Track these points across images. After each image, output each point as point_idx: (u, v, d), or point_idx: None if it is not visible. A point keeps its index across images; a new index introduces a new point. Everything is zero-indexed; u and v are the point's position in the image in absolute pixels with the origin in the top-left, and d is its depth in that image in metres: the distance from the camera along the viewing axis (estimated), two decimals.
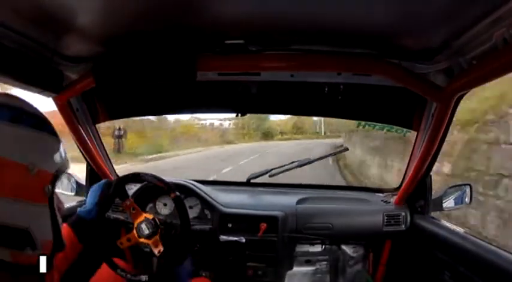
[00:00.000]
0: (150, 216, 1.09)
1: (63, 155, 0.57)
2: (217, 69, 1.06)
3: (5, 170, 0.48)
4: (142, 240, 1.08)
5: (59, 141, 0.57)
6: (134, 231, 1.08)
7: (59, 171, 0.55)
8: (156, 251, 1.07)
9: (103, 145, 1.49)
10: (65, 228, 0.90)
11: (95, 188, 1.04)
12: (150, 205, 1.43)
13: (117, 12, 0.77)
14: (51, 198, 0.55)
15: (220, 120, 22.57)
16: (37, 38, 0.87)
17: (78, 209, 0.98)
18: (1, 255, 0.49)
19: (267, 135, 24.15)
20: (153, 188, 1.39)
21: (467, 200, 1.33)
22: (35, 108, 0.56)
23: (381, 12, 0.75)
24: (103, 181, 1.07)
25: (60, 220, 0.59)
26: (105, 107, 1.41)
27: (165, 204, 1.43)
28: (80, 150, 1.37)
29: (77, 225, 0.92)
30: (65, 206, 1.27)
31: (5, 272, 0.50)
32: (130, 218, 1.10)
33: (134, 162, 10.46)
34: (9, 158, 0.48)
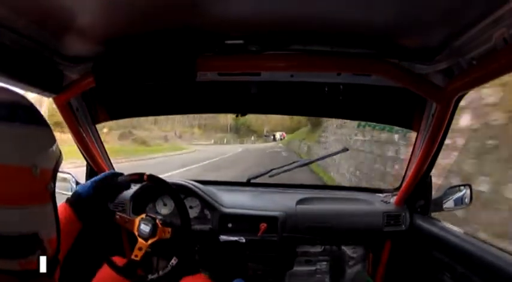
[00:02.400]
0: (157, 222, 1.10)
1: (57, 146, 0.53)
2: (217, 69, 1.07)
3: (9, 178, 0.44)
4: (137, 234, 1.08)
5: (52, 132, 0.53)
6: (136, 221, 1.09)
7: (57, 164, 0.53)
8: (134, 254, 1.07)
9: (103, 145, 1.49)
10: (63, 206, 0.90)
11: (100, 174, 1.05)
12: (150, 205, 1.43)
13: (117, 13, 0.77)
14: (53, 194, 0.52)
15: None
16: (37, 38, 0.87)
17: (77, 187, 0.98)
18: (10, 266, 0.46)
19: None
20: (152, 188, 1.39)
21: (467, 200, 1.33)
22: (27, 99, 0.51)
23: (380, 12, 0.75)
24: (111, 171, 1.08)
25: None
26: (105, 107, 1.41)
27: (164, 204, 1.43)
28: (79, 150, 1.37)
29: (75, 203, 0.92)
30: None
31: (13, 277, 0.47)
32: (133, 217, 1.11)
33: None
34: (12, 164, 0.44)
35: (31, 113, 0.50)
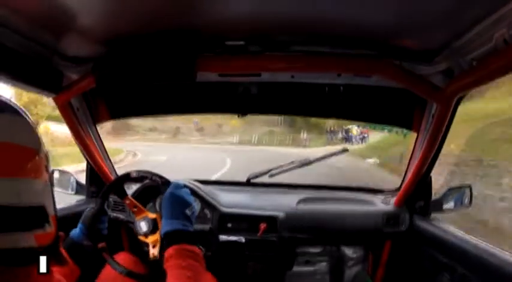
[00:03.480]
0: (153, 216, 1.09)
1: None
2: (218, 70, 1.07)
3: (23, 156, 0.53)
4: (141, 238, 1.07)
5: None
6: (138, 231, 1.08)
7: (47, 152, 0.60)
8: (151, 253, 1.05)
9: (103, 145, 1.49)
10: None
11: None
12: (151, 204, 1.43)
13: (117, 13, 0.77)
14: (50, 176, 0.60)
15: None
16: (37, 38, 0.87)
17: (70, 233, 0.98)
18: (28, 243, 0.51)
19: None
20: (153, 187, 1.39)
21: (467, 201, 1.33)
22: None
23: (381, 13, 0.75)
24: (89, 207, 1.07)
25: None
26: (105, 107, 1.41)
27: None
28: (80, 150, 1.37)
29: (69, 248, 0.93)
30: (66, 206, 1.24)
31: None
32: (132, 217, 1.10)
33: None
34: (26, 145, 0.54)
35: (23, 111, 0.58)
